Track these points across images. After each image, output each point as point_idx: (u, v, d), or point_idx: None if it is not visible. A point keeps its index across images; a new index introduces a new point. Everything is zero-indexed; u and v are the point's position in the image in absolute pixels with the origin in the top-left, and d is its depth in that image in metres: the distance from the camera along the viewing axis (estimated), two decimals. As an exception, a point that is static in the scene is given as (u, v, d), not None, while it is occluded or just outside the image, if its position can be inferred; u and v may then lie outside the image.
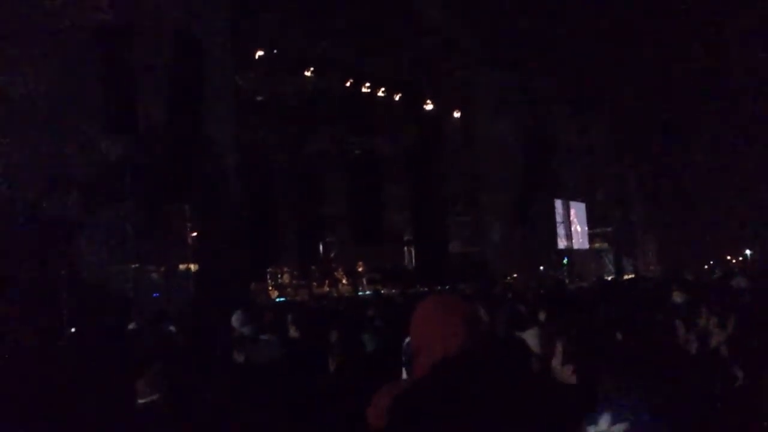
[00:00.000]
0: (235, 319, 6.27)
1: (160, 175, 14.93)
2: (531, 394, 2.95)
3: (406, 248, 24.66)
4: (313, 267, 20.67)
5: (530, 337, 4.38)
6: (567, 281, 23.34)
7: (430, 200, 23.98)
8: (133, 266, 14.51)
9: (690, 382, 3.44)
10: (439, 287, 19.01)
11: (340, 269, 20.90)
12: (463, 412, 2.14)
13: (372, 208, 23.21)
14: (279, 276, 19.32)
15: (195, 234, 16.11)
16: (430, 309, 2.41)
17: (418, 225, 24.25)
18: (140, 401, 3.40)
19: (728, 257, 35.74)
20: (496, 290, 14.86)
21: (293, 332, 6.22)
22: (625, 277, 26.33)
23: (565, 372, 3.13)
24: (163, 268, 15.86)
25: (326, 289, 19.40)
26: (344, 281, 20.33)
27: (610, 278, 24.68)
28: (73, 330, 6.90)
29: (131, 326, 7.09)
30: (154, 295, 14.59)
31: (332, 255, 22.73)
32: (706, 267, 28.07)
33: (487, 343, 4.08)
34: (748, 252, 34.95)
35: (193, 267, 15.90)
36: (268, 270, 19.08)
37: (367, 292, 18.48)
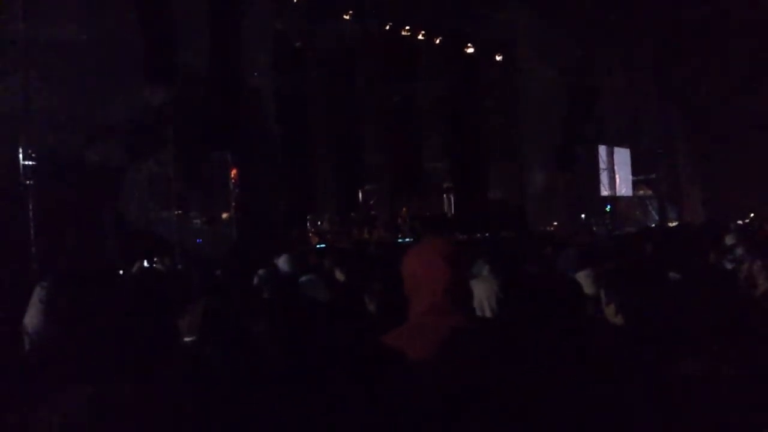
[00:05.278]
0: (282, 262, 6.30)
1: (200, 123, 15.01)
2: (574, 331, 2.88)
3: (445, 196, 24.48)
4: (352, 214, 20.70)
5: (583, 278, 4.30)
6: (610, 228, 23.04)
7: (470, 147, 23.67)
8: (176, 213, 14.68)
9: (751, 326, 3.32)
10: (479, 235, 18.95)
11: (381, 216, 20.90)
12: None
13: (411, 156, 23.03)
14: (319, 223, 19.44)
15: (235, 181, 16.21)
16: (413, 257, 2.47)
17: (458, 173, 24.01)
18: (186, 339, 3.39)
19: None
20: (536, 238, 14.71)
21: (338, 275, 6.21)
22: (670, 224, 25.89)
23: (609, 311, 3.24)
24: (205, 216, 16.07)
25: (366, 235, 19.44)
26: (384, 228, 20.34)
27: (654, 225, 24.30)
28: (121, 272, 7.01)
29: (179, 268, 7.19)
30: (198, 241, 14.78)
31: (371, 202, 22.73)
32: (752, 215, 27.38)
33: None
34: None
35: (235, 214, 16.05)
36: (308, 217, 19.20)
37: (407, 239, 18.47)
